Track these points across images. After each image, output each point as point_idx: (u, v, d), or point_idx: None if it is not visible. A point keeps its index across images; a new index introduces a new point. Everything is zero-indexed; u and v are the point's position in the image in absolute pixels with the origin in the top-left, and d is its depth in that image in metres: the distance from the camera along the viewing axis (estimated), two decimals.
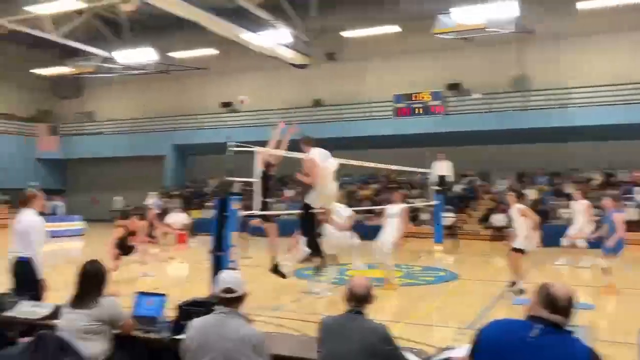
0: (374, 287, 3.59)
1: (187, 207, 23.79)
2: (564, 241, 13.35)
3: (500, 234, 19.44)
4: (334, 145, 22.80)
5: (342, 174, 25.18)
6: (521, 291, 8.78)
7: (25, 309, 4.62)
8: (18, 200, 5.83)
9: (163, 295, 4.58)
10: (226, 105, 27.89)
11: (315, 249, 8.69)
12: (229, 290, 3.18)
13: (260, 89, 26.88)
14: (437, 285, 10.89)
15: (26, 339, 3.71)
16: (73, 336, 3.66)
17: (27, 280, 5.40)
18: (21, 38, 25.76)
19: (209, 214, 20.36)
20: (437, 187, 17.74)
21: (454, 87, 23.43)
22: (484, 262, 15.09)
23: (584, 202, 13.06)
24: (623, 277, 10.05)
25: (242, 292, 3.22)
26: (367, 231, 11.77)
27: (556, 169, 22.15)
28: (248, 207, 8.87)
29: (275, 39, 21.71)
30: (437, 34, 19.35)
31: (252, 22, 20.87)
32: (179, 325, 4.07)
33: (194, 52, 25.59)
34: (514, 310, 5.44)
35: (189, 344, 3.20)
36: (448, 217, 18.03)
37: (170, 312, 4.40)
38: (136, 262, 11.53)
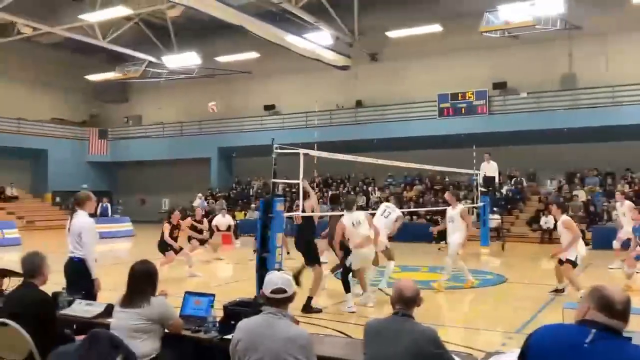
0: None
1: (232, 208, 24.13)
2: (615, 244, 12.90)
3: (550, 236, 18.99)
4: (376, 146, 23.04)
5: (386, 175, 25.27)
6: (557, 290, 8.63)
7: (80, 308, 4.77)
8: (73, 202, 6.02)
9: (211, 295, 4.64)
10: (269, 108, 28.17)
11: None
12: (278, 290, 3.19)
13: (302, 91, 27.06)
14: (483, 288, 10.67)
15: (81, 337, 3.83)
16: (124, 335, 3.74)
17: (80, 279, 5.56)
18: (72, 45, 26.76)
19: (253, 215, 20.60)
20: (483, 189, 17.42)
21: (500, 86, 22.97)
22: (532, 265, 14.72)
23: (628, 204, 12.62)
24: None
25: (291, 292, 3.23)
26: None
27: (608, 169, 21.43)
28: (289, 209, 8.90)
29: (318, 41, 21.80)
30: (484, 32, 19.04)
31: (295, 25, 21.03)
32: (226, 325, 4.11)
33: (237, 55, 25.99)
34: (565, 315, 5.28)
35: (237, 344, 3.22)
36: (494, 219, 17.66)
37: (217, 312, 4.45)
38: (183, 262, 11.73)
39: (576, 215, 19.40)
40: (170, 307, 4.06)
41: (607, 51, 21.23)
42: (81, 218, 5.75)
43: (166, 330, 4.03)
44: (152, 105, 32.60)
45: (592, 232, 17.91)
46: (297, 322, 3.37)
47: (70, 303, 4.83)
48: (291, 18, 20.78)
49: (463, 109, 22.70)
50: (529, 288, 10.82)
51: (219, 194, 27.27)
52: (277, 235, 7.37)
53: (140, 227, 23.86)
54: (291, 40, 20.96)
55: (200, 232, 14.18)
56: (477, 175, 16.61)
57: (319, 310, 7.91)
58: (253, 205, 21.90)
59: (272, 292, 3.18)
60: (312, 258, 8.24)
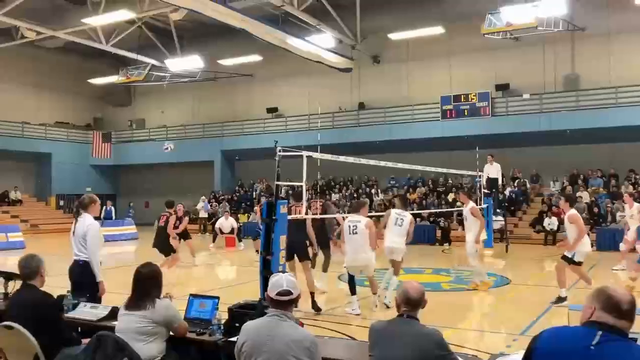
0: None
1: (235, 211, 24.16)
2: (621, 246, 12.86)
3: (553, 238, 18.94)
4: (379, 148, 23.01)
5: (389, 177, 25.27)
6: (560, 298, 8.52)
7: (85, 311, 4.78)
8: (78, 205, 6.05)
9: (216, 297, 4.65)
10: (272, 110, 28.22)
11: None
12: (284, 292, 3.19)
13: (305, 93, 27.09)
14: (487, 290, 10.64)
15: (86, 340, 3.85)
16: (129, 337, 3.76)
17: (84, 282, 5.58)
18: (75, 49, 26.86)
19: (256, 217, 20.59)
20: (486, 190, 17.38)
21: (503, 87, 22.95)
22: (536, 266, 14.68)
23: (638, 206, 12.58)
24: None
25: (297, 294, 3.23)
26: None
27: (611, 170, 21.37)
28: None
29: (320, 43, 21.82)
30: (486, 33, 19.03)
31: (297, 28, 21.07)
32: (231, 328, 4.12)
33: (239, 59, 26.04)
34: (571, 317, 5.26)
35: (242, 346, 3.23)
36: (498, 221, 17.62)
37: (222, 315, 4.45)
38: (187, 265, 11.74)
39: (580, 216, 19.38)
40: (175, 309, 4.07)
41: (610, 52, 21.20)
42: (86, 221, 5.77)
43: (171, 333, 4.04)
44: (156, 108, 32.66)
45: (597, 233, 17.87)
46: (302, 324, 3.37)
47: (75, 306, 4.85)
48: (293, 21, 20.82)
49: (466, 111, 22.69)
50: (533, 290, 10.81)
51: (222, 197, 27.30)
52: (281, 238, 7.37)
53: (144, 230, 23.88)
54: (294, 43, 20.99)
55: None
56: (480, 177, 16.59)
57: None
58: (256, 208, 21.92)
59: (278, 294, 3.18)
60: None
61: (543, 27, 18.82)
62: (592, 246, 18.18)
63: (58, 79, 30.45)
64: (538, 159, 22.43)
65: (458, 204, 21.06)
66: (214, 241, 18.96)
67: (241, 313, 4.23)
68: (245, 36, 20.58)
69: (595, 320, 2.45)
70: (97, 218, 6.15)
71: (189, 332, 4.17)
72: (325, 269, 9.71)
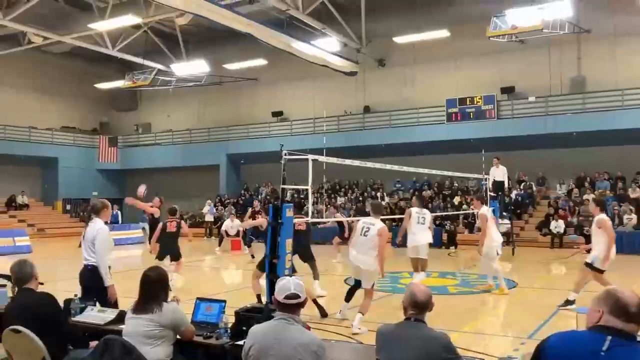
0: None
1: (241, 215, 24.15)
2: None
3: (560, 241, 18.87)
4: (384, 151, 23.00)
5: (395, 180, 25.25)
6: (568, 302, 8.41)
7: (92, 314, 4.80)
8: (90, 209, 6.09)
9: (222, 301, 4.65)
10: (277, 114, 28.27)
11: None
12: (292, 296, 3.19)
13: (310, 97, 27.15)
14: (494, 293, 10.60)
15: (94, 343, 3.86)
16: (137, 341, 3.77)
17: (93, 286, 5.62)
18: (81, 54, 27.01)
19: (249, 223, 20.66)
20: (492, 193, 17.34)
21: (508, 90, 22.90)
22: (543, 269, 14.63)
23: None
24: None
25: (304, 298, 3.23)
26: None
27: (618, 172, 21.28)
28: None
29: (325, 47, 21.85)
30: (491, 36, 19.00)
31: (302, 32, 21.10)
32: (238, 331, 4.12)
33: (245, 63, 26.11)
34: (580, 320, 5.24)
35: (249, 349, 3.23)
36: (504, 224, 17.56)
37: (229, 318, 4.46)
38: (192, 268, 11.74)
39: (587, 219, 19.29)
40: (182, 313, 4.07)
41: (616, 54, 21.13)
42: (96, 225, 5.81)
43: (178, 337, 4.04)
44: (162, 112, 32.78)
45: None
46: (309, 328, 3.37)
47: (82, 310, 4.87)
48: (298, 25, 20.86)
49: (471, 114, 22.66)
50: (539, 293, 10.76)
51: (228, 201, 27.35)
52: (287, 241, 7.36)
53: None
54: (299, 47, 21.03)
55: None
56: (486, 180, 16.55)
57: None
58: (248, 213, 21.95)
59: (286, 297, 3.18)
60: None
61: (548, 30, 18.78)
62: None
63: (64, 84, 30.62)
64: (544, 161, 22.36)
65: (464, 207, 21.13)
66: (219, 245, 18.99)
67: (248, 316, 4.23)
68: (251, 40, 20.63)
69: (604, 324, 2.41)
70: (105, 222, 6.17)
71: (196, 336, 4.18)
72: (316, 277, 9.72)
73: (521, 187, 22.40)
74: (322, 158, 8.88)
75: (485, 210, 10.39)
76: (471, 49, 22.83)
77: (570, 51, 21.99)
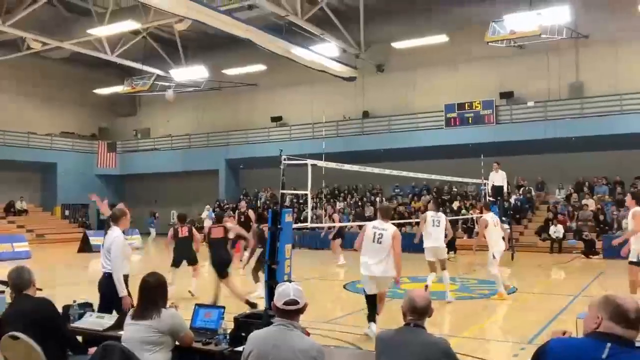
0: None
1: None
2: None
3: (559, 246, 18.86)
4: (383, 156, 23.01)
5: (393, 185, 25.25)
6: None
7: (91, 320, 4.78)
8: (109, 218, 6.22)
9: (221, 307, 4.64)
10: (276, 119, 28.30)
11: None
12: (291, 302, 3.18)
13: (309, 102, 27.19)
14: (493, 298, 10.59)
15: (93, 349, 3.85)
16: (135, 347, 3.75)
17: (110, 293, 5.68)
18: (81, 59, 27.03)
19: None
20: (491, 198, 17.34)
21: (507, 95, 22.95)
22: (542, 274, 14.62)
23: None
24: None
25: (304, 303, 3.22)
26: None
27: (617, 177, 21.30)
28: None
29: (324, 52, 21.90)
30: (490, 42, 19.04)
31: (301, 37, 21.15)
32: (237, 337, 4.11)
33: (244, 68, 26.14)
34: (579, 326, 5.23)
35: (249, 356, 3.22)
36: (503, 229, 17.52)
37: (228, 324, 4.45)
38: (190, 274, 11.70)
39: (585, 224, 19.31)
40: (181, 319, 4.06)
41: (614, 59, 21.18)
42: (113, 233, 5.90)
43: (177, 343, 4.03)
44: (161, 118, 32.81)
45: (603, 241, 17.80)
46: (308, 334, 3.36)
47: (81, 316, 4.85)
48: (297, 30, 20.90)
49: (470, 119, 22.70)
50: (539, 298, 10.76)
51: (227, 206, 27.32)
52: (286, 247, 7.35)
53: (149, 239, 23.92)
54: (298, 52, 21.06)
55: None
56: (485, 184, 16.55)
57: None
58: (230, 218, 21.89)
59: (285, 303, 3.17)
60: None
61: (547, 35, 18.83)
62: (597, 254, 18.11)
63: (63, 89, 30.64)
64: (543, 166, 22.38)
65: (463, 211, 21.13)
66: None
67: (247, 322, 4.23)
68: (250, 46, 20.67)
69: (603, 331, 2.39)
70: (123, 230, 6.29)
71: (195, 342, 4.17)
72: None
73: (520, 192, 22.41)
74: (321, 163, 8.88)
75: (489, 217, 10.62)
76: (470, 54, 22.89)
77: (569, 56, 22.05)
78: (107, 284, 5.75)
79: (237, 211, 17.82)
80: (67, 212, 30.24)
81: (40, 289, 4.53)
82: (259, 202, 27.27)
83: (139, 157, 31.50)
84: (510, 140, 21.33)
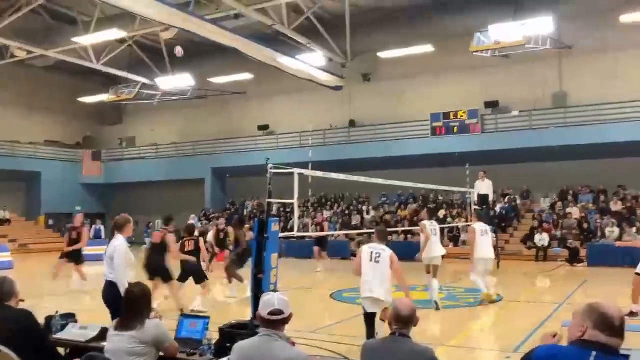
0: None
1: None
2: None
3: (544, 254, 18.99)
4: (369, 165, 23.08)
5: (380, 194, 25.31)
6: (632, 313, 8.17)
7: (74, 332, 4.71)
8: (113, 226, 6.33)
9: (207, 317, 4.61)
10: (263, 128, 28.28)
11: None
12: (275, 312, 3.16)
13: (296, 111, 27.24)
14: (479, 307, 10.62)
15: None
16: (119, 358, 3.71)
17: (114, 300, 5.66)
18: (66, 68, 26.83)
19: (249, 235, 20.49)
20: (477, 207, 17.44)
21: (492, 105, 23.17)
22: (528, 283, 14.70)
23: None
24: None
25: (288, 314, 3.20)
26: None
27: (600, 186, 21.53)
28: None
29: (311, 62, 21.95)
30: (474, 52, 19.22)
31: (288, 47, 21.18)
32: (222, 348, 4.08)
33: (231, 77, 26.08)
34: (564, 334, 5.26)
35: None
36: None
37: (213, 335, 4.42)
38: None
39: (570, 232, 19.48)
40: (165, 329, 4.02)
41: (598, 70, 21.49)
42: (116, 242, 5.97)
43: (161, 354, 3.98)
44: (146, 126, 32.64)
45: (587, 249, 17.95)
46: (294, 344, 3.34)
47: (63, 327, 4.78)
48: (284, 40, 20.94)
49: (455, 128, 22.86)
50: (525, 306, 10.81)
51: (213, 215, 27.18)
52: (272, 256, 7.33)
53: (133, 249, 23.66)
54: (284, 61, 21.09)
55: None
56: (470, 193, 16.65)
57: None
58: (247, 226, 21.78)
59: (270, 313, 3.15)
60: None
61: (531, 45, 19.05)
62: (581, 262, 18.26)
63: (48, 98, 30.39)
64: (528, 175, 22.57)
65: (449, 220, 21.22)
66: (210, 260, 18.77)
67: (232, 333, 4.20)
68: (237, 54, 20.66)
69: (588, 339, 2.39)
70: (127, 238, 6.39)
71: (180, 353, 4.12)
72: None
73: (506, 200, 22.58)
74: (307, 172, 8.89)
75: (477, 226, 10.80)
76: (455, 63, 23.08)
77: (553, 66, 22.34)
78: (109, 291, 5.81)
79: (215, 227, 17.18)
80: (51, 222, 29.89)
81: (23, 300, 4.47)
82: (245, 211, 27.17)
83: (124, 166, 31.29)
84: (496, 149, 21.51)
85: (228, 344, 3.83)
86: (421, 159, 22.89)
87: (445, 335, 8.31)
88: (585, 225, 19.56)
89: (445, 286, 12.83)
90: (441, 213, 22.38)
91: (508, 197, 22.69)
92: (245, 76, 25.83)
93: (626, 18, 18.51)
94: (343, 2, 20.49)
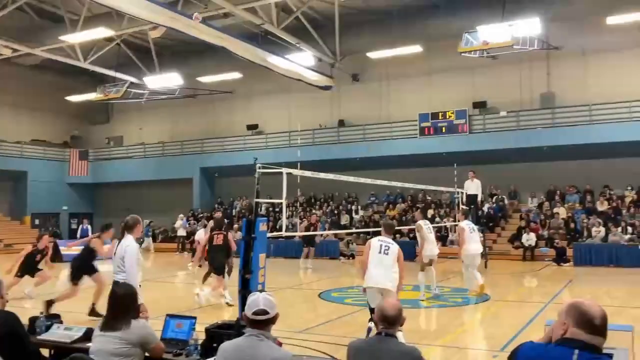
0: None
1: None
2: None
3: (532, 254, 19.12)
4: (358, 164, 23.11)
5: (369, 194, 25.36)
6: None
7: (59, 332, 4.67)
8: (122, 227, 6.29)
9: (193, 317, 4.58)
10: (252, 127, 28.22)
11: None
12: (260, 312, 3.14)
13: (285, 110, 27.21)
14: (467, 306, 10.68)
15: None
16: (104, 359, 3.68)
17: None
18: (53, 66, 26.59)
19: (236, 235, 20.44)
20: (465, 207, 17.51)
21: (480, 105, 23.29)
22: (515, 282, 14.79)
23: None
24: None
25: (274, 314, 3.19)
26: None
27: (586, 186, 21.72)
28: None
29: (300, 61, 21.94)
30: (462, 52, 19.30)
31: (277, 46, 21.14)
32: (208, 348, 4.06)
33: (220, 76, 25.96)
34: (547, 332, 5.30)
35: None
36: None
37: (199, 335, 4.40)
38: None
39: (557, 232, 19.64)
40: (150, 330, 3.99)
41: (585, 70, 21.68)
42: (126, 242, 5.91)
43: (147, 354, 3.96)
44: (134, 125, 32.44)
45: (574, 248, 18.10)
46: (280, 344, 3.33)
47: (48, 328, 4.73)
48: (273, 39, 20.90)
49: (443, 128, 22.95)
50: (512, 305, 10.87)
51: (201, 215, 27.08)
52: (260, 256, 7.31)
53: None
54: (273, 61, 21.04)
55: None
56: (458, 193, 16.72)
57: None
58: (236, 226, 21.73)
59: (255, 313, 3.13)
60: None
61: (519, 46, 19.17)
62: (568, 262, 18.44)
63: (35, 97, 30.07)
64: (516, 175, 22.71)
65: (437, 219, 21.30)
66: (193, 256, 18.71)
67: (219, 333, 4.18)
68: (225, 53, 20.58)
69: (570, 337, 2.40)
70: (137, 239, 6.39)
71: (166, 353, 4.09)
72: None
73: (493, 200, 22.71)
74: (296, 171, 8.87)
75: (464, 224, 11.20)
76: (444, 64, 23.18)
77: (540, 67, 22.49)
78: None
79: (197, 242, 16.85)
80: (37, 222, 29.60)
81: (7, 301, 4.42)
82: (234, 210, 27.10)
83: (111, 166, 31.06)
84: (483, 150, 21.63)
85: (214, 344, 3.81)
86: (409, 158, 22.96)
87: (433, 334, 8.34)
88: (572, 225, 19.73)
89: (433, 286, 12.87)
90: (429, 212, 22.47)
91: (495, 197, 22.83)
92: (234, 75, 25.73)
93: (613, 20, 18.70)
94: (332, 2, 20.49)
